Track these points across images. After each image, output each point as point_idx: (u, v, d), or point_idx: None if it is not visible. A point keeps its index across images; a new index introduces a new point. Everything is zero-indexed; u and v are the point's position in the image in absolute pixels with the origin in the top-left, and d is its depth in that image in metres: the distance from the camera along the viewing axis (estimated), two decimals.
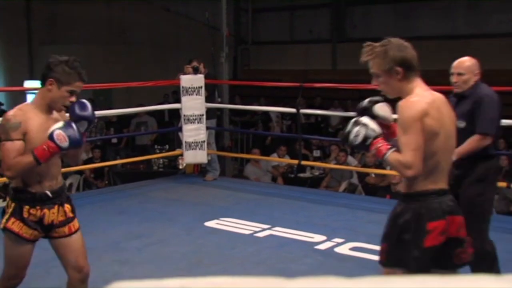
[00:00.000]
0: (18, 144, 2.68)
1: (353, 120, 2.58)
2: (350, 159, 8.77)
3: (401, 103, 2.47)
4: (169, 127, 11.38)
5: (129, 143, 11.45)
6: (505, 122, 5.59)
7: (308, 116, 12.04)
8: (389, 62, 2.53)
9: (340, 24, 15.97)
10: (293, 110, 6.90)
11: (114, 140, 10.92)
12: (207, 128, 7.09)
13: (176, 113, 9.26)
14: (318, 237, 4.88)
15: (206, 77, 7.04)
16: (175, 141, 9.15)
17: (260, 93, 14.30)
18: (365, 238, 4.76)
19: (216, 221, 5.39)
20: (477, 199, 3.63)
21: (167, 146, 9.39)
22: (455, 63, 3.81)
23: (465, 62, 3.78)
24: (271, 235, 4.99)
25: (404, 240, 2.45)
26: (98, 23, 14.65)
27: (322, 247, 4.68)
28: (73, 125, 2.70)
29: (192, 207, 5.79)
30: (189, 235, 5.01)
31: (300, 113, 6.95)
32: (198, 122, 6.96)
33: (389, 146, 2.46)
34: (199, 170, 7.62)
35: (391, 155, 2.44)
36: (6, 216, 2.83)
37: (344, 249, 4.60)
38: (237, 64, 17.25)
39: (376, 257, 4.32)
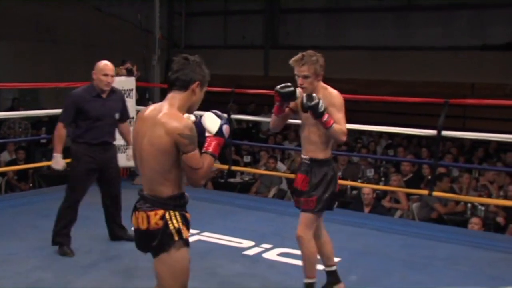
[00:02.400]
0: (197, 149, 2.53)
1: (314, 95, 3.37)
2: (279, 165, 8.87)
3: (333, 93, 3.57)
4: None
5: None
6: (427, 132, 5.82)
7: (239, 121, 12.10)
8: (319, 68, 3.48)
9: (273, 31, 16.15)
10: (224, 115, 6.91)
11: (43, 140, 10.59)
12: None
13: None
14: (246, 243, 4.90)
15: (137, 80, 6.95)
16: None
17: None
18: (293, 244, 4.79)
19: None
20: None
21: None
22: None
23: None
24: (199, 240, 4.97)
25: (328, 190, 3.58)
26: (26, 20, 14.17)
27: (250, 252, 4.70)
28: (223, 114, 2.67)
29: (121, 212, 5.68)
30: (115, 240, 4.92)
31: (232, 118, 6.96)
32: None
33: (332, 120, 3.41)
34: (128, 174, 7.51)
35: (335, 125, 3.42)
36: (178, 226, 2.56)
37: (272, 255, 4.64)
38: (169, 68, 17.13)
39: (300, 263, 4.40)
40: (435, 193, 5.85)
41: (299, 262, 4.43)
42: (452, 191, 7.04)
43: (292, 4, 15.93)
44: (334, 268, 3.82)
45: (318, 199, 3.54)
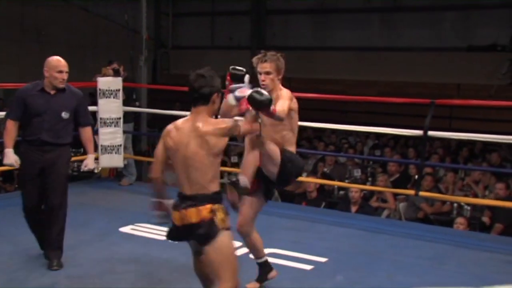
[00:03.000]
0: None
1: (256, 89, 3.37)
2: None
3: (284, 90, 3.72)
4: None
5: None
6: (413, 132, 5.85)
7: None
8: (280, 65, 3.69)
9: (260, 32, 16.15)
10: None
11: None
12: (124, 132, 6.97)
13: (92, 116, 9.03)
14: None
15: (124, 80, 6.93)
16: None
17: (178, 98, 14.21)
18: (280, 244, 4.82)
19: (131, 226, 5.30)
20: None
21: (82, 149, 9.13)
22: None
23: None
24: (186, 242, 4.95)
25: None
26: (11, 20, 14.06)
27: (237, 253, 4.68)
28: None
29: (107, 212, 5.66)
30: (103, 241, 4.90)
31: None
32: (115, 126, 6.83)
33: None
34: (115, 174, 7.48)
35: (277, 108, 3.46)
36: (222, 216, 3.00)
37: None
38: (157, 68, 17.08)
39: (291, 263, 4.41)
40: (421, 193, 5.88)
41: (287, 263, 4.45)
42: (438, 191, 7.08)
43: (278, 5, 15.95)
44: (264, 259, 3.99)
45: (258, 184, 3.76)
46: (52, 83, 4.27)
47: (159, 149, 3.12)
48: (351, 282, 4.17)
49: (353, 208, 6.68)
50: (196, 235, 3.02)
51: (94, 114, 7.33)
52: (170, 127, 3.09)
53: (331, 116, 11.52)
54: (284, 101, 3.56)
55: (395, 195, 7.25)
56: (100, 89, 6.79)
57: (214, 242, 2.98)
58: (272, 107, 3.31)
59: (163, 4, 17.21)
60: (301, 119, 3.96)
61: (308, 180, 7.30)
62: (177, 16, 17.50)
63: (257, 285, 3.97)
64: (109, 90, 6.77)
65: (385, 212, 7.18)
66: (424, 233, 5.54)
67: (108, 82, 6.80)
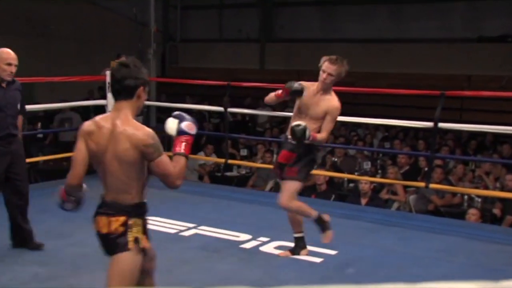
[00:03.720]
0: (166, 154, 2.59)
1: (298, 123, 3.99)
2: (276, 158, 8.85)
3: (336, 103, 4.17)
4: None
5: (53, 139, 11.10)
6: (423, 124, 5.81)
7: (235, 115, 12.08)
8: (343, 73, 4.11)
9: (268, 24, 16.10)
10: (220, 108, 6.89)
11: (40, 135, 10.56)
12: None
13: (101, 110, 9.04)
14: (243, 236, 4.90)
15: None
16: None
17: (188, 91, 14.21)
18: (290, 237, 4.80)
19: None
20: None
21: None
22: None
23: None
24: (196, 234, 4.97)
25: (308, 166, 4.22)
26: (19, 15, 14.10)
27: (247, 246, 4.70)
28: (183, 113, 2.74)
29: None
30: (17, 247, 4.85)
31: (228, 111, 6.95)
32: None
33: (316, 134, 4.04)
34: None
35: (318, 136, 4.05)
36: (139, 235, 2.66)
37: (269, 248, 4.63)
38: (165, 61, 17.08)
39: (301, 256, 4.40)
40: (432, 185, 5.85)
41: (296, 256, 4.44)
42: (448, 183, 7.04)
43: None
44: (301, 235, 4.35)
45: (299, 171, 4.12)
46: (1, 75, 4.24)
47: (79, 150, 2.68)
48: (361, 274, 4.16)
49: (363, 201, 6.66)
50: (104, 249, 2.70)
51: (103, 107, 7.36)
52: (89, 125, 2.66)
53: (341, 108, 11.49)
54: (329, 124, 4.09)
55: (405, 187, 7.22)
56: (109, 83, 6.76)
57: (118, 256, 2.62)
58: (310, 136, 3.95)
59: None
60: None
61: (318, 173, 7.28)
62: (185, 9, 17.47)
63: (289, 254, 4.36)
64: None
65: (395, 205, 7.15)
66: (435, 225, 5.52)
67: None
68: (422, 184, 6.06)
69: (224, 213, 5.70)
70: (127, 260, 2.63)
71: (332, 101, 4.14)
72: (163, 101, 11.27)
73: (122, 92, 2.60)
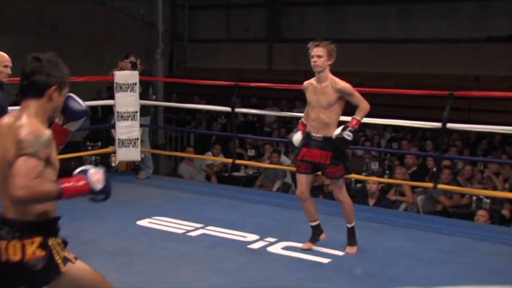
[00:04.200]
0: (42, 165, 2.11)
1: (338, 133, 4.20)
2: (283, 158, 8.85)
3: (341, 82, 4.26)
4: (102, 123, 11.14)
5: None
6: (432, 124, 5.79)
7: (246, 115, 12.09)
8: (332, 51, 4.20)
9: (275, 24, 16.10)
10: (228, 109, 6.90)
11: None
12: (141, 125, 6.99)
13: (109, 110, 9.08)
14: (251, 237, 4.89)
15: (141, 74, 6.95)
16: (108, 138, 8.97)
17: (195, 91, 14.23)
18: (297, 238, 4.81)
19: (148, 220, 5.32)
20: None
21: (99, 143, 9.20)
22: None
23: None
24: (204, 234, 4.97)
25: (346, 157, 4.42)
26: (28, 14, 14.16)
27: (254, 246, 4.69)
28: (103, 169, 2.34)
29: (124, 206, 5.68)
30: (120, 234, 4.93)
31: (236, 112, 6.96)
32: (132, 119, 6.85)
33: (355, 119, 4.27)
34: (132, 168, 7.51)
35: (359, 115, 4.31)
36: (64, 255, 2.27)
37: (277, 249, 4.63)
38: (173, 61, 17.11)
39: (309, 256, 4.40)
40: (440, 186, 5.83)
41: (303, 256, 4.44)
42: (456, 183, 7.01)
43: None
44: (317, 222, 4.55)
45: (344, 166, 4.34)
46: None
47: None
48: (369, 275, 4.15)
49: (371, 201, 6.64)
50: (14, 281, 2.17)
51: (111, 107, 7.38)
52: None
53: (348, 108, 11.47)
54: (356, 99, 4.28)
55: (413, 188, 7.20)
56: (117, 83, 6.81)
57: None
58: (356, 127, 4.23)
59: None
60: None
61: None
62: (193, 9, 17.49)
63: (311, 245, 4.53)
64: (126, 83, 6.79)
65: (403, 205, 7.13)
66: (443, 226, 5.49)
67: (125, 76, 6.82)
68: (430, 184, 6.04)
69: (231, 213, 5.70)
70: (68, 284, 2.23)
71: (335, 84, 4.24)
72: (174, 101, 11.30)
73: (30, 89, 2.21)
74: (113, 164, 7.74)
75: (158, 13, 8.39)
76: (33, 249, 2.13)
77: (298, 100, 13.06)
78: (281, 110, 12.02)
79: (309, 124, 4.38)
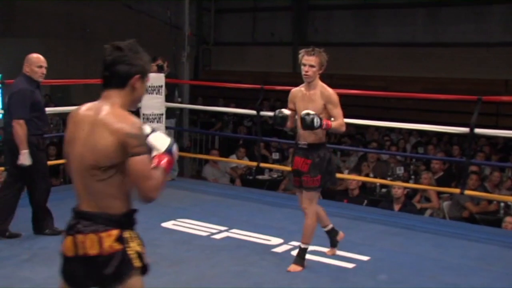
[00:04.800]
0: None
1: (306, 112, 3.94)
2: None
3: (329, 90, 4.09)
4: None
5: None
6: (459, 129, 5.72)
7: (270, 118, 12.06)
8: (323, 60, 4.04)
9: (301, 28, 16.08)
10: (253, 112, 6.90)
11: None
12: (166, 127, 7.03)
13: (135, 112, 9.14)
14: (275, 240, 4.88)
15: (167, 76, 6.98)
16: None
17: (220, 94, 14.27)
18: (321, 242, 4.77)
19: (172, 222, 5.34)
20: None
21: None
22: None
23: None
24: (228, 237, 4.97)
25: (329, 168, 4.17)
26: (57, 17, 14.37)
27: (278, 250, 4.68)
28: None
29: (149, 208, 5.65)
30: (145, 236, 4.86)
31: (261, 114, 6.95)
32: (157, 122, 6.89)
33: (330, 121, 4.00)
34: None
35: (334, 124, 4.01)
36: (138, 250, 2.18)
37: None
38: (198, 64, 17.19)
39: (333, 261, 4.37)
40: (467, 192, 5.75)
41: (329, 261, 4.41)
42: (484, 189, 6.91)
43: (320, 0, 15.85)
44: (330, 226, 4.48)
45: (322, 177, 4.12)
46: (33, 77, 4.66)
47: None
48: (394, 281, 4.10)
49: (396, 207, 6.57)
50: (92, 275, 2.12)
51: (137, 110, 7.43)
52: (72, 112, 2.25)
53: (374, 113, 11.40)
54: (338, 110, 4.07)
55: (439, 193, 7.11)
56: None
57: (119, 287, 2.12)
58: (324, 126, 3.95)
59: (205, 1, 17.30)
60: (343, 116, 4.10)
61: (350, 178, 7.23)
62: (219, 12, 17.57)
63: (334, 250, 4.51)
64: (152, 86, 6.83)
65: (428, 211, 7.05)
66: (470, 232, 5.41)
67: (151, 78, 6.85)
68: (457, 190, 5.96)
69: (255, 217, 5.69)
70: (137, 284, 2.17)
71: (324, 91, 4.09)
72: (200, 104, 11.36)
73: (112, 80, 2.17)
74: None
75: (184, 16, 8.44)
76: (110, 242, 2.10)
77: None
78: None
79: (297, 132, 4.24)
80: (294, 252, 4.58)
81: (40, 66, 4.66)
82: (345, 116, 4.19)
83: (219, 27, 17.61)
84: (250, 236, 4.99)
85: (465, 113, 6.24)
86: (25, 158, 4.55)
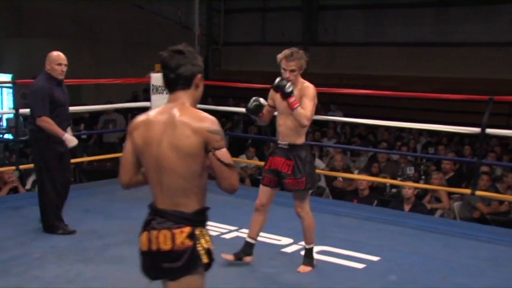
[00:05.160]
0: None
1: (281, 79, 3.94)
2: (318, 162, 8.80)
3: (308, 85, 4.03)
4: None
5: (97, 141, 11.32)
6: (471, 130, 5.69)
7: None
8: (304, 63, 3.99)
9: (311, 28, 16.06)
10: None
11: (84, 136, 10.80)
12: None
13: (145, 112, 9.15)
14: (285, 240, 4.88)
15: None
16: None
17: (229, 93, 14.28)
18: (331, 242, 4.78)
19: None
20: None
21: None
22: None
23: None
24: (238, 237, 4.97)
25: (312, 169, 4.10)
26: (67, 18, 14.44)
27: (288, 250, 4.67)
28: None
29: None
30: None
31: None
32: None
33: (298, 103, 3.91)
34: None
35: (299, 109, 3.90)
36: (207, 247, 2.30)
37: None
38: (208, 64, 17.22)
39: (343, 262, 4.36)
40: (478, 193, 5.72)
41: (339, 261, 4.40)
42: (495, 190, 6.87)
43: (330, 0, 15.83)
44: (254, 241, 4.28)
45: (306, 179, 4.04)
46: (53, 74, 4.74)
47: (127, 148, 2.36)
48: (404, 282, 4.09)
49: (407, 207, 6.55)
50: (164, 267, 2.26)
51: (147, 109, 7.45)
52: (139, 119, 2.36)
53: (384, 113, 11.37)
54: (309, 103, 3.97)
55: (450, 194, 7.08)
56: (153, 85, 6.87)
57: (187, 278, 2.26)
58: (292, 99, 3.88)
59: (215, 1, 17.33)
60: (353, 116, 4.07)
61: (360, 178, 7.21)
62: (228, 12, 17.59)
63: (233, 258, 4.23)
64: (162, 86, 6.83)
65: (439, 211, 7.01)
66: (481, 233, 5.38)
67: (161, 78, 6.86)
68: (468, 191, 5.93)
69: None
70: (198, 281, 2.31)
71: (303, 86, 4.02)
72: (209, 104, 11.36)
73: (179, 82, 2.29)
74: None
75: (194, 17, 8.45)
76: (182, 239, 2.23)
77: (333, 103, 13.01)
78: (316, 114, 11.95)
79: (277, 131, 4.16)
80: (304, 252, 4.58)
81: (60, 64, 4.75)
82: (355, 116, 4.18)
83: (229, 27, 17.63)
84: (260, 236, 4.96)
85: (476, 113, 6.20)
86: (68, 141, 4.72)
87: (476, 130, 5.50)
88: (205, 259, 2.28)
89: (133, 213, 5.46)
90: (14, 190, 6.66)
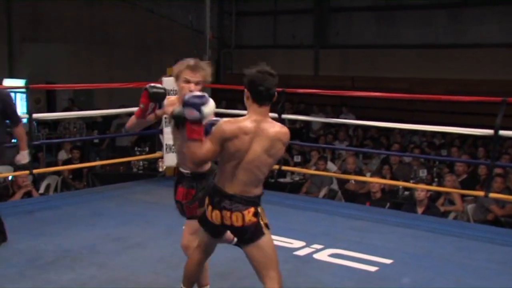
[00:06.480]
0: None
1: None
2: (330, 165, 8.79)
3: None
4: (150, 129, 11.29)
5: (110, 144, 11.38)
6: (484, 131, 5.66)
7: (294, 122, 12.07)
8: (209, 76, 3.57)
9: (322, 31, 16.04)
10: (274, 115, 6.88)
11: (96, 140, 10.86)
12: None
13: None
14: (297, 243, 4.87)
15: None
16: (156, 144, 9.10)
17: (241, 97, 14.26)
18: (344, 245, 4.77)
19: None
20: None
21: (147, 148, 9.33)
22: None
23: None
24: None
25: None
26: (80, 22, 14.54)
27: (301, 253, 4.67)
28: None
29: (171, 210, 5.68)
30: (168, 238, 4.97)
31: (282, 118, 6.94)
32: None
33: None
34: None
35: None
36: (266, 221, 2.99)
37: (323, 256, 4.59)
38: (220, 68, 17.24)
39: (355, 264, 4.34)
40: (492, 195, 5.68)
41: (351, 263, 4.39)
42: (509, 192, 6.81)
43: (341, 2, 15.80)
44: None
45: (199, 204, 3.30)
46: None
47: (212, 151, 2.88)
48: (417, 284, 4.07)
49: (419, 209, 6.52)
50: (239, 238, 3.02)
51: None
52: (232, 130, 2.87)
53: (396, 115, 11.31)
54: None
55: (463, 196, 7.04)
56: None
57: (257, 243, 2.96)
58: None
59: (226, 4, 17.35)
60: (365, 118, 3.99)
61: (373, 180, 7.19)
62: (240, 15, 17.61)
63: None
64: (173, 89, 6.86)
65: (452, 214, 6.98)
66: (495, 236, 5.35)
67: (172, 82, 6.88)
68: (481, 193, 5.89)
69: (277, 220, 5.65)
70: (268, 242, 2.98)
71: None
72: (224, 108, 11.36)
73: (269, 99, 2.95)
74: (160, 169, 7.84)
75: (205, 20, 8.48)
76: (249, 217, 2.92)
77: (345, 106, 12.98)
78: (327, 117, 11.95)
79: (177, 156, 3.50)
80: (316, 255, 4.59)
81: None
82: (368, 119, 4.15)
83: (240, 30, 17.65)
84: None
85: (490, 115, 6.15)
86: (26, 157, 4.66)
87: (490, 132, 5.46)
88: (265, 230, 2.96)
89: (145, 217, 5.48)
90: (28, 194, 6.71)
